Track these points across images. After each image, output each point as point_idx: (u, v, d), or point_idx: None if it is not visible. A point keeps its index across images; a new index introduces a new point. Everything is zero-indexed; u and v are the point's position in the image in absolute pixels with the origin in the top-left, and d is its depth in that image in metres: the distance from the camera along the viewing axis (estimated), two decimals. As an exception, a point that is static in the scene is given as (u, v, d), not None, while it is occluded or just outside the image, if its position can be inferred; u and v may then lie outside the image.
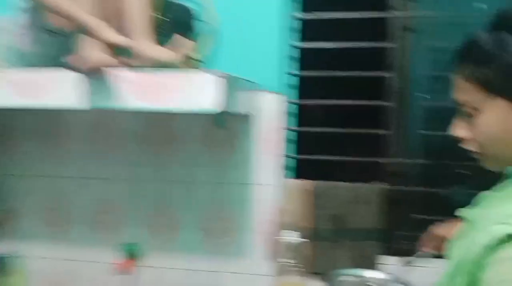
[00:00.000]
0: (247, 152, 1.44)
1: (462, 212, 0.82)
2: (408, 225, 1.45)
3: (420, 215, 1.43)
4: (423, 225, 1.46)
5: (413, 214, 1.44)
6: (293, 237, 1.32)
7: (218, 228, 1.48)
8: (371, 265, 1.41)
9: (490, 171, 0.76)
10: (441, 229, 1.13)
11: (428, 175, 1.44)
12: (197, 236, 1.49)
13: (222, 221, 1.47)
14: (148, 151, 1.50)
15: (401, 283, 1.27)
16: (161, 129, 1.48)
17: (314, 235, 1.43)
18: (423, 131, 1.42)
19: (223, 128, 1.42)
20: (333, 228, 1.43)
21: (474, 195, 0.83)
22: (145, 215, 1.51)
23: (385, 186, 1.43)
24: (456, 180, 1.53)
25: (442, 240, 1.10)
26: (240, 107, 1.15)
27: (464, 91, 0.72)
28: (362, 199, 1.42)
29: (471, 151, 0.76)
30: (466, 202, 0.79)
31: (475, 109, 0.70)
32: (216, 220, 1.48)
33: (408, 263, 1.39)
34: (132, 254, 1.43)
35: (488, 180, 0.73)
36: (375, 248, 1.42)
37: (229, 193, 1.46)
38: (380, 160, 1.46)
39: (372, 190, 1.42)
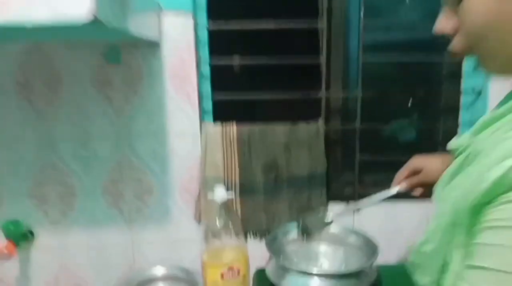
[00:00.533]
0: (153, 93, 1.14)
1: (453, 143, 0.64)
2: (353, 166, 1.25)
3: (365, 154, 1.24)
4: (369, 166, 1.29)
5: (357, 154, 1.24)
6: (221, 194, 1.08)
7: (126, 191, 1.19)
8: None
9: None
10: (419, 161, 0.95)
11: (371, 109, 1.24)
12: (99, 203, 1.19)
13: (130, 181, 1.19)
14: (23, 101, 1.14)
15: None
16: (40, 71, 1.12)
17: (245, 189, 1.20)
18: (366, 58, 1.19)
19: (118, 64, 1.10)
20: (268, 179, 1.20)
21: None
22: (27, 184, 1.17)
23: (324, 124, 1.21)
24: (403, 113, 1.35)
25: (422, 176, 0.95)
26: (136, 31, 0.84)
27: None
28: (299, 141, 1.19)
29: (461, 53, 0.59)
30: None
31: None
32: (122, 181, 1.18)
33: (356, 209, 1.22)
34: (15, 235, 1.11)
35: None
36: (318, 197, 1.22)
37: (135, 146, 1.17)
38: (317, 95, 1.23)
39: (309, 130, 1.19)
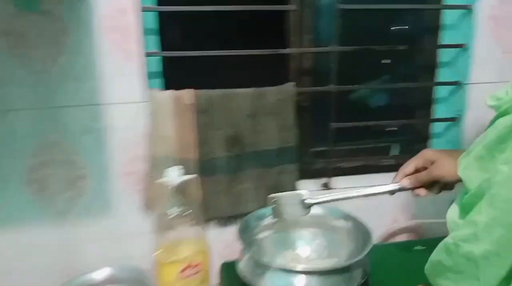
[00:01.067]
0: (83, 51, 0.90)
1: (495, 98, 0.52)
2: (325, 136, 1.08)
3: (342, 123, 1.08)
4: (344, 135, 1.13)
5: (333, 123, 1.07)
6: (174, 175, 0.88)
7: (53, 177, 0.95)
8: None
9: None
10: (430, 153, 0.78)
11: (347, 69, 1.06)
12: (21, 193, 0.94)
13: (59, 164, 0.95)
14: None
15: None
16: None
17: (204, 168, 0.99)
18: (343, 6, 1.00)
19: (37, 13, 0.86)
20: (231, 155, 1.00)
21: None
22: None
23: (294, 88, 1.02)
24: (378, 73, 1.20)
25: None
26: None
27: None
28: (266, 109, 1.01)
29: None
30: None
31: None
32: (48, 165, 0.94)
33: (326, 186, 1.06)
34: None
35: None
36: (289, 174, 1.04)
37: (65, 122, 0.93)
38: (285, 52, 1.04)
39: (278, 95, 1.01)
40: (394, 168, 0.84)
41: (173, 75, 1.01)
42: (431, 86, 1.15)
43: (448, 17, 1.10)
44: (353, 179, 1.12)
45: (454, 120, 1.12)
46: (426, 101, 1.17)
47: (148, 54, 0.95)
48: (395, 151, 1.21)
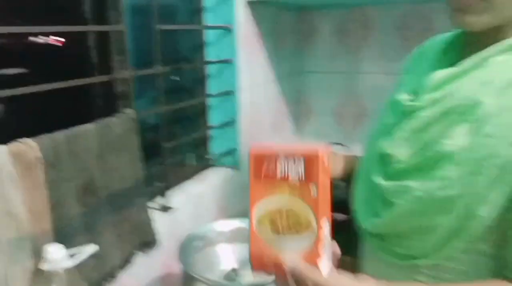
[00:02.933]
0: None
1: (407, 99, 0.67)
2: (158, 157, 1.04)
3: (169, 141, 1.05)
4: (175, 151, 1.11)
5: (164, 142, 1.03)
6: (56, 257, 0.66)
7: None
8: (146, 236, 0.94)
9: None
10: None
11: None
12: None
13: None
14: None
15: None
16: None
17: (62, 234, 0.75)
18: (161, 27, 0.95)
19: None
20: (87, 209, 0.80)
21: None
22: None
23: (134, 115, 0.92)
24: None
25: None
26: None
27: None
28: (113, 143, 0.86)
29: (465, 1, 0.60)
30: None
31: None
32: None
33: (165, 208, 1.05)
34: None
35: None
36: (143, 211, 0.94)
37: None
38: (107, 78, 0.90)
39: (122, 125, 0.88)
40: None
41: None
42: (203, 97, 1.29)
43: (210, 35, 1.26)
44: (182, 188, 1.15)
45: (228, 125, 1.31)
46: (202, 111, 1.30)
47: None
48: (190, 158, 1.28)
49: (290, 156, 0.52)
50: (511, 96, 0.58)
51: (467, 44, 0.67)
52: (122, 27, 0.88)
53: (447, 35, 0.72)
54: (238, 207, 1.31)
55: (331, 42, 1.63)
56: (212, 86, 1.30)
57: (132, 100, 0.92)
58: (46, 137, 0.73)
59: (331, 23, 1.62)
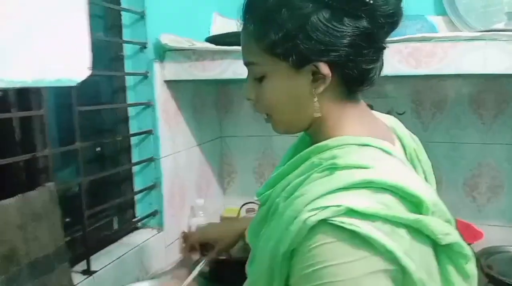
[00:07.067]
0: None
1: (258, 194, 0.75)
2: (80, 224, 1.13)
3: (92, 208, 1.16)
4: (96, 219, 1.20)
5: (87, 210, 1.13)
6: None
7: None
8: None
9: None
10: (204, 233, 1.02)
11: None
12: None
13: None
14: None
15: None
16: None
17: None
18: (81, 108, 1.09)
19: None
20: (8, 276, 0.88)
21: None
22: None
23: (55, 187, 1.02)
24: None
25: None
26: None
27: (250, 51, 0.70)
28: (34, 215, 0.95)
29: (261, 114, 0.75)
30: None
31: (263, 71, 0.69)
32: None
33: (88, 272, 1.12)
34: None
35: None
36: (65, 275, 1.02)
37: None
38: (29, 157, 1.01)
39: (42, 197, 0.98)
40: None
41: None
42: (129, 166, 1.41)
43: (133, 110, 1.41)
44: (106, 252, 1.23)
45: (153, 188, 1.43)
46: (129, 176, 1.42)
47: None
48: (115, 222, 1.38)
49: None
50: (287, 201, 0.63)
51: (309, 141, 0.76)
52: (43, 111, 1.01)
53: None
54: (160, 267, 1.40)
55: (247, 110, 1.83)
56: (136, 155, 1.43)
57: (51, 174, 1.03)
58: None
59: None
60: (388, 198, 0.57)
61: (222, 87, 1.86)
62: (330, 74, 0.65)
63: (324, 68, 0.64)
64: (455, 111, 1.64)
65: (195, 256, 1.09)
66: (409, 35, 1.18)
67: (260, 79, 0.69)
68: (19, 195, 0.93)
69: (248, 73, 0.73)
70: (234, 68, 1.31)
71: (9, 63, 0.43)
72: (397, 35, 1.10)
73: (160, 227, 1.43)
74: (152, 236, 1.39)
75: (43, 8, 0.45)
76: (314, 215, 0.56)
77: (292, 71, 0.66)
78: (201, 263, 1.04)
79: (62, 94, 1.14)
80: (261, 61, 0.68)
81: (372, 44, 0.65)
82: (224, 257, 1.14)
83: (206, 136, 1.74)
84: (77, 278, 1.09)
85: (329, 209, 0.55)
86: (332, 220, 0.55)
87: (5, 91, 1.00)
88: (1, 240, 0.87)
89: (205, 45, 1.42)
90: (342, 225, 0.54)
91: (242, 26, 0.71)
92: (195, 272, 1.01)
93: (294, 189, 0.63)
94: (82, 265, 1.14)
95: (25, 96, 1.01)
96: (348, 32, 0.62)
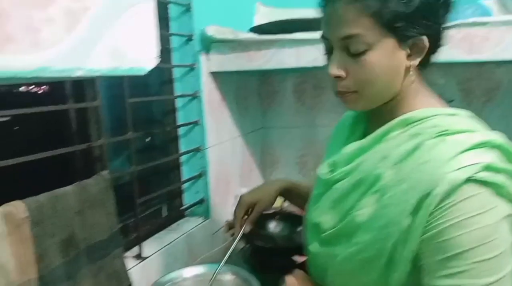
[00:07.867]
0: None
1: (324, 170, 0.78)
2: (132, 211, 1.17)
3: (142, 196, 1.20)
4: (146, 206, 1.25)
5: (138, 198, 1.18)
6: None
7: None
8: (122, 283, 1.06)
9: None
10: (249, 196, 1.03)
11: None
12: None
13: None
14: None
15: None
16: None
17: (45, 283, 0.88)
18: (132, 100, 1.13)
19: None
20: (68, 259, 0.93)
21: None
22: None
23: (109, 176, 1.06)
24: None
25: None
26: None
27: (357, 24, 0.67)
28: (91, 202, 1.00)
29: (341, 92, 0.72)
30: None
31: (367, 44, 0.67)
32: None
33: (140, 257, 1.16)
34: None
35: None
36: (118, 259, 1.07)
37: None
38: (85, 146, 1.06)
39: (97, 186, 1.02)
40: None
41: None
42: (177, 156, 1.45)
43: (180, 101, 1.44)
44: (156, 238, 1.27)
45: (199, 177, 1.46)
46: (176, 166, 1.46)
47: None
48: (164, 210, 1.42)
49: None
50: (403, 168, 0.66)
51: (372, 118, 0.77)
52: (98, 102, 1.05)
53: None
54: (208, 254, 1.43)
55: (290, 101, 1.83)
56: (184, 145, 1.46)
57: (106, 163, 1.07)
58: (32, 199, 0.87)
59: (289, 84, 1.84)
60: (498, 154, 0.65)
61: (265, 78, 1.86)
62: (428, 47, 0.69)
63: (427, 42, 0.69)
64: (509, 100, 1.57)
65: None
66: (461, 20, 1.13)
67: (360, 53, 0.68)
68: (76, 182, 0.98)
69: (336, 50, 0.70)
70: (279, 58, 1.31)
71: (88, 53, 0.46)
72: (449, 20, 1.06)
73: (206, 215, 1.46)
74: (199, 224, 1.43)
75: (117, 0, 0.48)
76: (457, 173, 0.61)
77: (396, 44, 0.68)
78: (244, 225, 1.03)
79: (114, 86, 1.18)
80: (368, 34, 0.67)
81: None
82: (268, 212, 1.13)
83: (249, 127, 1.75)
84: (130, 263, 1.13)
85: (471, 167, 0.62)
86: (474, 176, 0.61)
87: (62, 83, 1.05)
88: (61, 225, 0.92)
89: (249, 35, 1.43)
90: (484, 179, 0.61)
91: None
92: (241, 233, 1.02)
93: (403, 156, 0.67)
94: (133, 251, 1.19)
95: (80, 88, 1.06)
96: (441, 4, 0.69)
